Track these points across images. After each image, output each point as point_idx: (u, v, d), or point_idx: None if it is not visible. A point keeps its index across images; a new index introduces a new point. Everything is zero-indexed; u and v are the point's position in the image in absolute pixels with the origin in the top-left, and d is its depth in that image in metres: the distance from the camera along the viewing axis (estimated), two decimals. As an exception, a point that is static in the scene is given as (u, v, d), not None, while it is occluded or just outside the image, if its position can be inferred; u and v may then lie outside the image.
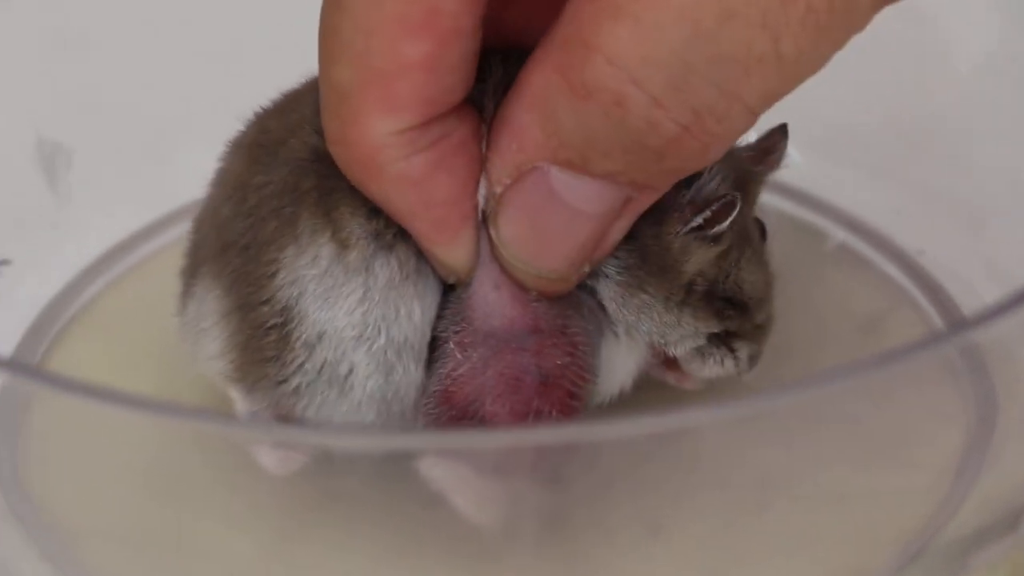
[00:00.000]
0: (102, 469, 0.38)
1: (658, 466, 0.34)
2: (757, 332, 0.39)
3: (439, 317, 0.37)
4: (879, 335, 0.45)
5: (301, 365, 0.37)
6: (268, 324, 0.37)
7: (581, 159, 0.33)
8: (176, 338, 0.40)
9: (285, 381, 0.37)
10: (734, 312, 0.38)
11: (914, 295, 0.46)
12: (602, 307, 0.38)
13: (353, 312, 0.37)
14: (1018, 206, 0.47)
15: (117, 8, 0.52)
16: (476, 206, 0.36)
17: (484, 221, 0.36)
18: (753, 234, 0.39)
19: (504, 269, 0.36)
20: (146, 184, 0.50)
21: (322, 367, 0.37)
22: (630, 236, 0.36)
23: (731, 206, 0.36)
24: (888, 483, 0.36)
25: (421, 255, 0.37)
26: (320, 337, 0.37)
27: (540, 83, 0.33)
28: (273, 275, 0.37)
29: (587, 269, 0.36)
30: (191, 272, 0.40)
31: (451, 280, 0.37)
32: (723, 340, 0.39)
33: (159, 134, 0.51)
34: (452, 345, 0.36)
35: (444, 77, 0.34)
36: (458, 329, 0.37)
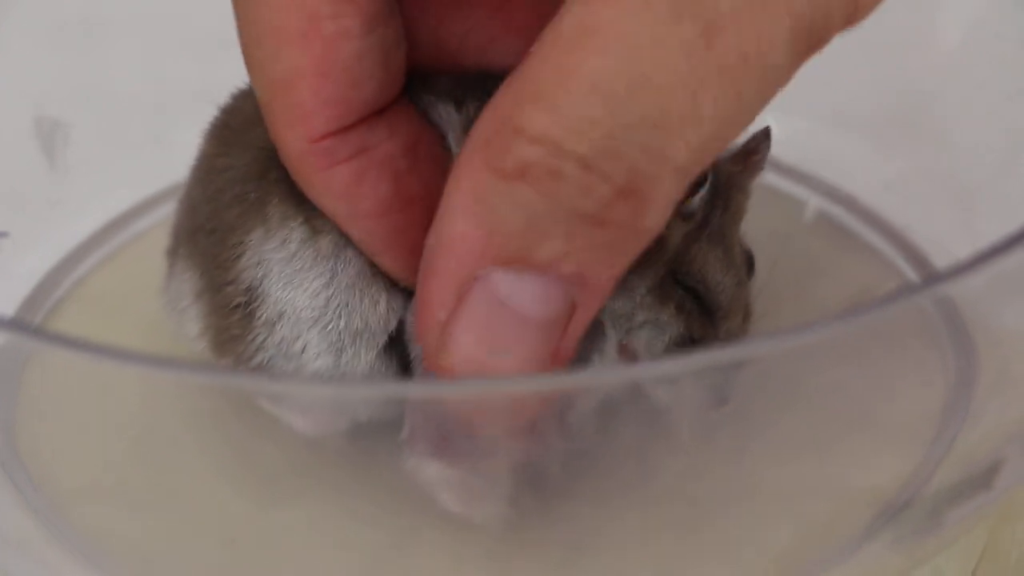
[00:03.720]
0: (93, 428, 0.38)
1: (636, 421, 0.35)
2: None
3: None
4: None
5: (263, 343, 0.38)
6: (233, 304, 0.38)
7: (524, 247, 0.32)
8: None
9: (251, 359, 0.38)
10: (695, 309, 0.38)
11: (903, 269, 0.47)
12: None
13: (317, 295, 0.37)
14: (1005, 181, 0.47)
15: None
16: (410, 223, 0.36)
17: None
18: (732, 246, 0.39)
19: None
20: (142, 162, 0.50)
21: (279, 343, 0.38)
22: None
23: (702, 180, 0.37)
24: (867, 443, 0.37)
25: None
26: (280, 316, 0.37)
27: (470, 185, 0.32)
28: (238, 257, 0.38)
29: None
30: (172, 252, 0.41)
31: (402, 284, 0.37)
32: (686, 346, 0.38)
33: (155, 113, 0.51)
34: None
35: (341, 80, 0.34)
36: None
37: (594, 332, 0.38)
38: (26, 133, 0.50)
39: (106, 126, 0.51)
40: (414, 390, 0.33)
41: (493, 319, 0.33)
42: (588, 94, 0.30)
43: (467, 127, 0.36)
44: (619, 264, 0.33)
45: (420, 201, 0.36)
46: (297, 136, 0.35)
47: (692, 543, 0.36)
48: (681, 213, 0.37)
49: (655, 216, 0.32)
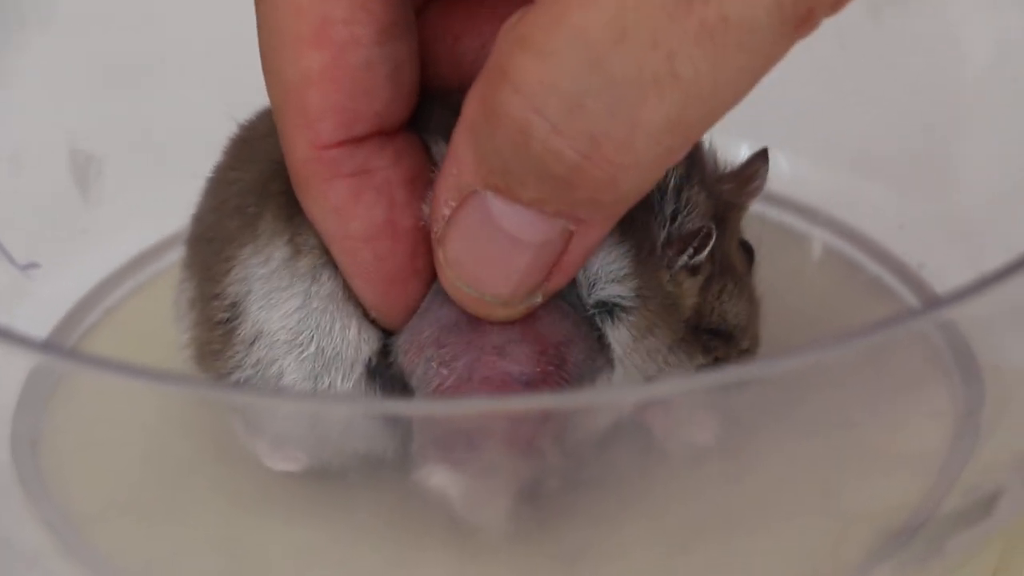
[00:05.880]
0: (109, 447, 0.39)
1: (633, 443, 0.35)
2: (744, 357, 0.39)
3: (411, 357, 0.37)
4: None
5: (240, 361, 0.38)
6: (217, 319, 0.39)
7: (506, 186, 0.33)
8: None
9: (229, 375, 0.38)
10: (720, 343, 0.38)
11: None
12: (607, 348, 0.38)
13: (290, 316, 0.38)
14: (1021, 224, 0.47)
15: (152, 30, 0.54)
16: (394, 253, 0.36)
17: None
18: (736, 263, 0.39)
19: (448, 290, 0.36)
20: (173, 195, 0.51)
21: (256, 364, 0.38)
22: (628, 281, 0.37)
23: (708, 238, 0.37)
24: (873, 471, 0.37)
25: None
26: (257, 336, 0.38)
27: (469, 109, 0.33)
28: (228, 271, 0.38)
29: (538, 299, 0.36)
30: (182, 262, 0.41)
31: (371, 314, 0.37)
32: None
33: (187, 148, 0.51)
34: (435, 365, 0.37)
35: (350, 87, 0.35)
36: (437, 352, 0.37)
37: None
38: (60, 165, 0.51)
39: (138, 160, 0.52)
40: (398, 408, 0.34)
41: (484, 233, 0.34)
42: (572, 42, 0.31)
43: None
44: (607, 214, 0.33)
45: (409, 235, 0.36)
46: (304, 141, 0.35)
47: (689, 564, 0.36)
48: (689, 268, 0.38)
49: (631, 183, 0.32)
